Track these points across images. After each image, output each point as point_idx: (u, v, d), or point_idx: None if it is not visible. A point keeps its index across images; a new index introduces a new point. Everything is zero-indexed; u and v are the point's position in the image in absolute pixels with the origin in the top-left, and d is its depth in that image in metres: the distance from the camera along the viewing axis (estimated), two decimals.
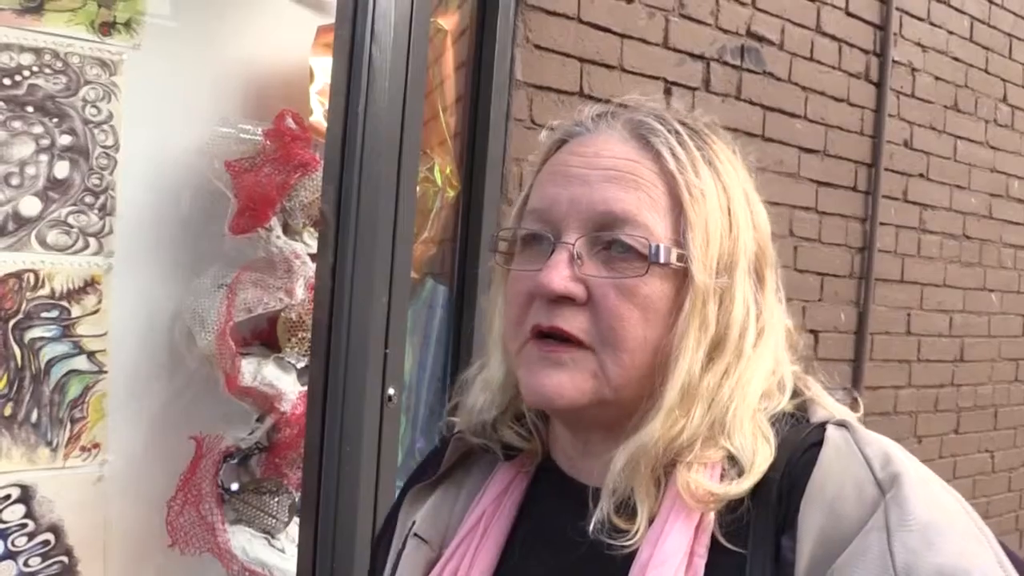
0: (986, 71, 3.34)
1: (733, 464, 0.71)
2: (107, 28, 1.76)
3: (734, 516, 0.69)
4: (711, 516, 0.70)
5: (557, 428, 0.84)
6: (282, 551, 1.75)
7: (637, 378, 0.74)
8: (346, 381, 1.54)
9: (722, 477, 0.71)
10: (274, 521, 1.76)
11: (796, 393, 0.78)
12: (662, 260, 0.73)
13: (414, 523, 0.88)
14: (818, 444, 0.70)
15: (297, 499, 1.78)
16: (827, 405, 0.78)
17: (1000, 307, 3.51)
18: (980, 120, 3.34)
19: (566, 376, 0.74)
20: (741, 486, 0.69)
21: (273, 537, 1.76)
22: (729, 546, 0.69)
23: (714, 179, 0.77)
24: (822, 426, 0.72)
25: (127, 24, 1.78)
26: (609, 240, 0.74)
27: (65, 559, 1.72)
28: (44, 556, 1.69)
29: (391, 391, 1.59)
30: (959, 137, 3.25)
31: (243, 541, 1.73)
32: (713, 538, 0.69)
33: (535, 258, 0.77)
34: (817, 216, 2.74)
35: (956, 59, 3.20)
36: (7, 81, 1.65)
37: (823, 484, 0.67)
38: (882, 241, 2.95)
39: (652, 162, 0.76)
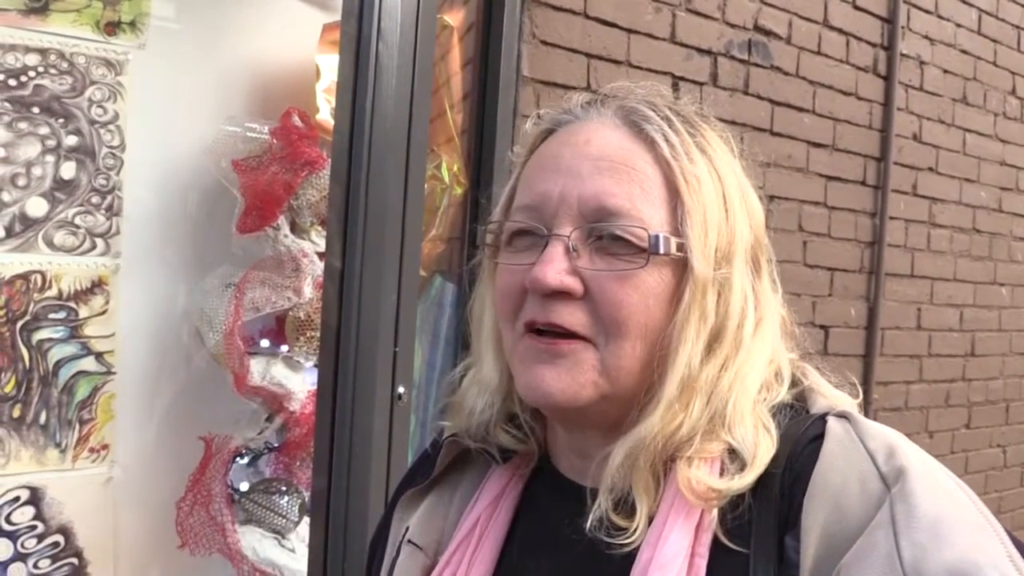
0: (995, 64, 3.32)
1: (734, 458, 0.69)
2: (112, 28, 1.75)
3: (735, 514, 0.67)
4: (712, 515, 0.67)
5: (554, 428, 0.82)
6: (292, 551, 1.75)
7: (638, 370, 0.72)
8: (355, 380, 1.53)
9: (722, 472, 0.69)
10: (284, 521, 1.75)
11: (794, 382, 0.76)
12: (662, 250, 0.71)
13: (407, 529, 0.86)
14: (820, 437, 0.68)
15: (307, 498, 1.77)
16: (827, 393, 0.76)
17: (1011, 301, 3.49)
18: (989, 113, 3.32)
19: (565, 370, 0.71)
20: (744, 480, 0.67)
21: (283, 537, 1.76)
22: (731, 545, 0.67)
23: (708, 166, 0.75)
24: (823, 418, 0.70)
25: (132, 24, 1.77)
26: (604, 232, 0.72)
27: (75, 561, 1.71)
28: (54, 558, 1.69)
29: (401, 390, 1.58)
30: (968, 130, 3.23)
31: (253, 541, 1.72)
32: (714, 537, 0.67)
33: (527, 251, 0.75)
34: (826, 211, 2.73)
35: (964, 52, 3.19)
36: (13, 82, 1.65)
37: (826, 480, 0.65)
38: (892, 235, 2.93)
39: (646, 150, 0.74)
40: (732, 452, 0.69)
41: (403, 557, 0.84)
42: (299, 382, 1.75)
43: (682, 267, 0.72)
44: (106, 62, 1.74)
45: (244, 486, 1.78)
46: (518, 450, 0.83)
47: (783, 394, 0.74)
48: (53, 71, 1.69)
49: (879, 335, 2.89)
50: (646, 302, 0.71)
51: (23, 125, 1.66)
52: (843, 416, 0.70)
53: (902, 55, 2.91)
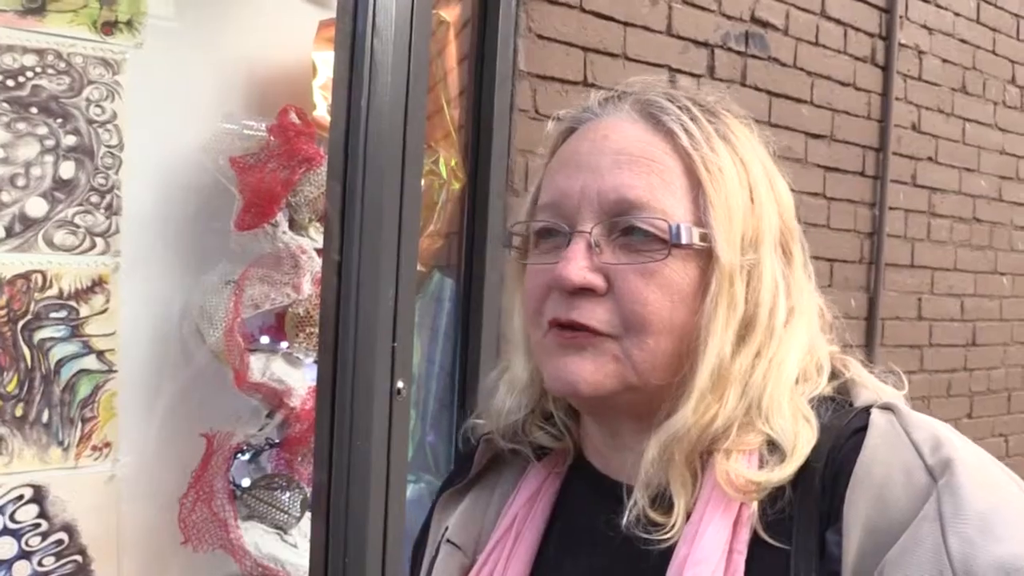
0: (994, 52, 3.32)
1: (773, 450, 0.68)
2: (109, 28, 1.75)
3: (775, 509, 0.66)
4: (751, 509, 0.66)
5: (588, 423, 0.81)
6: (294, 546, 1.76)
7: (664, 363, 0.71)
8: (354, 375, 1.54)
9: (761, 464, 0.67)
10: (286, 516, 1.76)
11: (836, 375, 0.75)
12: (684, 240, 0.70)
13: (447, 529, 0.86)
14: (862, 430, 0.66)
15: (308, 494, 1.78)
16: (870, 385, 0.74)
17: (1012, 290, 3.49)
18: (988, 102, 3.32)
19: (588, 361, 0.71)
20: (784, 471, 0.66)
21: (285, 532, 1.77)
22: (771, 541, 0.65)
23: (731, 154, 0.74)
24: (866, 410, 0.68)
25: (129, 23, 1.78)
26: (626, 226, 0.71)
27: (79, 558, 1.72)
28: (58, 556, 1.70)
29: (400, 384, 1.58)
30: (967, 120, 3.22)
31: (255, 537, 1.73)
32: (754, 532, 0.66)
33: (551, 251, 0.74)
34: (825, 202, 2.73)
35: (963, 41, 3.18)
36: (11, 82, 1.65)
37: (869, 472, 0.63)
38: (891, 226, 2.93)
39: (664, 141, 0.73)
40: (771, 445, 0.68)
41: (442, 556, 0.84)
42: (299, 378, 1.76)
43: (707, 258, 0.71)
44: (103, 61, 1.75)
45: (246, 482, 1.78)
46: (554, 448, 0.83)
47: (823, 385, 0.73)
48: (51, 71, 1.69)
49: (879, 325, 2.89)
50: (670, 299, 0.70)
51: (21, 125, 1.67)
52: (888, 408, 0.68)
53: (900, 45, 2.90)
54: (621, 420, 0.76)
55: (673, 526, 0.67)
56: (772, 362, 0.71)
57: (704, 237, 0.70)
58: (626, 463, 0.74)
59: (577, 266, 0.70)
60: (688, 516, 0.67)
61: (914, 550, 0.58)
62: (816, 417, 0.70)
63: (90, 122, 1.73)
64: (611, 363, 0.71)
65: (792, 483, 0.66)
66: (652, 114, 0.75)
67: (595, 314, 0.71)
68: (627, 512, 0.69)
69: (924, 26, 3.02)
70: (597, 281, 0.71)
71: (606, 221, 0.72)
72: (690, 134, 0.73)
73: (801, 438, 0.67)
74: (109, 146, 1.75)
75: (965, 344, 3.28)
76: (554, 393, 0.78)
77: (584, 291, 0.71)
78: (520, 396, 0.83)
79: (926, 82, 3.05)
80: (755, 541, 0.66)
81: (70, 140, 1.71)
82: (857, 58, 2.79)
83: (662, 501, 0.69)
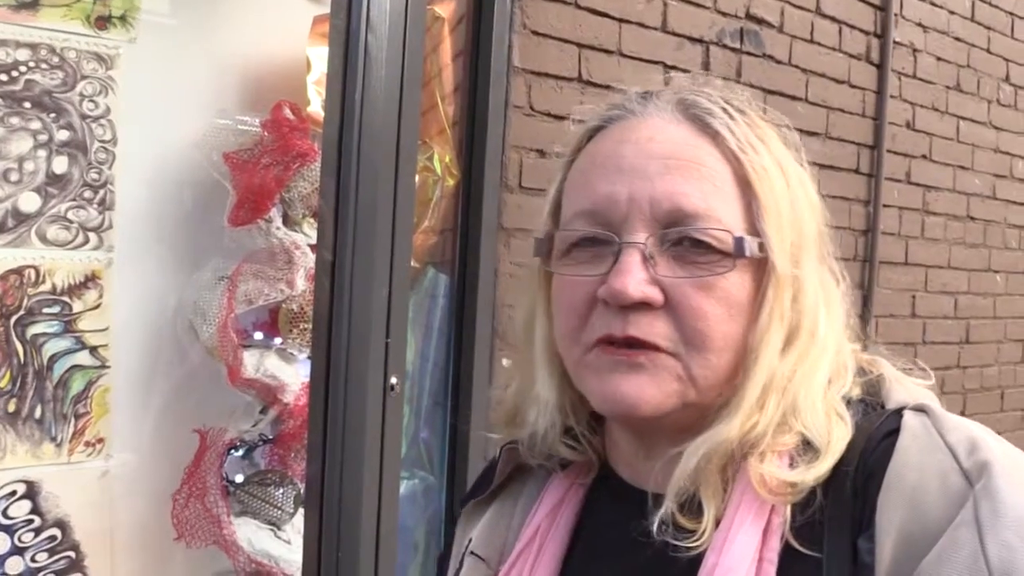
0: (988, 51, 3.32)
1: (806, 450, 0.66)
2: (103, 22, 1.75)
3: (806, 516, 0.64)
4: (782, 516, 0.64)
5: (616, 433, 0.79)
6: (288, 542, 1.76)
7: (723, 379, 0.69)
8: (348, 371, 1.54)
9: (792, 465, 0.66)
10: (279, 512, 1.76)
11: (863, 373, 0.73)
12: (747, 253, 0.67)
13: (470, 541, 0.84)
14: (895, 432, 0.64)
15: (302, 490, 1.78)
16: (900, 383, 0.72)
17: (1005, 288, 3.49)
18: (983, 100, 3.32)
19: (647, 380, 0.67)
20: (819, 470, 0.64)
21: (279, 528, 1.77)
22: (801, 548, 0.63)
23: (771, 158, 0.72)
24: (898, 412, 0.66)
25: (122, 18, 1.78)
26: (679, 236, 0.68)
27: (72, 554, 1.72)
28: (51, 551, 1.70)
29: (393, 380, 1.58)
30: (962, 118, 3.23)
31: (249, 533, 1.73)
32: (784, 540, 0.64)
33: (593, 261, 0.70)
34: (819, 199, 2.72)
35: (958, 39, 3.18)
36: (4, 77, 1.65)
37: (901, 476, 0.61)
38: (885, 223, 2.93)
39: (712, 144, 0.70)
40: (805, 444, 0.67)
41: (465, 569, 0.82)
42: (293, 374, 1.76)
43: (761, 268, 0.69)
44: (97, 56, 1.74)
45: (239, 478, 1.78)
46: (576, 459, 0.80)
47: (849, 383, 0.71)
48: (44, 66, 1.69)
49: (873, 323, 2.89)
50: (728, 310, 0.68)
51: (15, 120, 1.66)
52: (920, 409, 0.66)
53: (895, 43, 2.90)
54: (661, 432, 0.73)
55: (703, 533, 0.65)
56: (809, 366, 0.70)
57: (760, 247, 0.68)
58: (654, 471, 0.72)
59: (635, 280, 0.66)
60: (717, 523, 0.66)
61: (950, 557, 0.56)
62: (849, 416, 0.68)
63: (83, 117, 1.73)
64: (673, 383, 0.68)
65: (823, 488, 0.64)
66: (697, 115, 0.72)
67: (654, 329, 0.67)
68: (656, 519, 0.67)
69: (919, 24, 3.02)
70: (656, 295, 0.67)
71: (659, 232, 0.68)
72: (736, 136, 0.70)
73: (835, 434, 0.66)
74: (103, 141, 1.75)
75: (959, 342, 3.29)
76: (605, 414, 0.75)
77: (639, 305, 0.67)
78: (553, 415, 0.78)
79: (921, 80, 3.05)
80: (785, 549, 0.64)
81: (63, 135, 1.71)
82: (852, 56, 2.79)
83: (691, 507, 0.67)
